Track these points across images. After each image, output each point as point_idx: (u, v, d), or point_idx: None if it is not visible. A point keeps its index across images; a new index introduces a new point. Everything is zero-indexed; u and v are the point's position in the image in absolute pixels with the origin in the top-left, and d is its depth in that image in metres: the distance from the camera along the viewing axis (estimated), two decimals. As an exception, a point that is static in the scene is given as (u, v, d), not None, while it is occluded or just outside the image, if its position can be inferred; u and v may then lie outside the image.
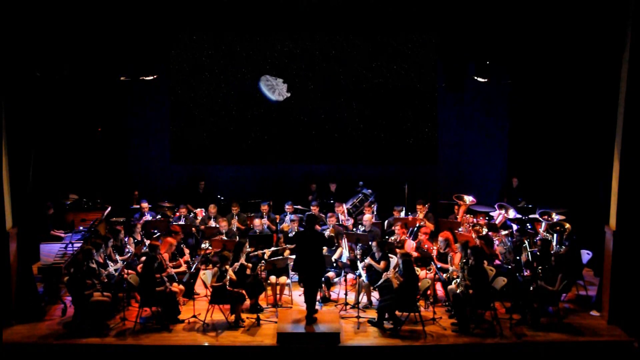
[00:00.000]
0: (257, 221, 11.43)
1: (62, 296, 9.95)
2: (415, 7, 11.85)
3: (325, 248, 10.34)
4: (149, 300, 9.30)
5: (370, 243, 10.48)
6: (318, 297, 10.17)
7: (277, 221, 12.16)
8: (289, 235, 11.27)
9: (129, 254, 10.48)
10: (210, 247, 11.05)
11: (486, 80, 12.25)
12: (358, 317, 9.47)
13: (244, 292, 9.49)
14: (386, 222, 12.02)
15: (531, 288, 9.44)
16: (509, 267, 10.04)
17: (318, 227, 11.70)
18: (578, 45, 10.16)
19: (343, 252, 10.72)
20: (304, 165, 14.09)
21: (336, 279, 10.61)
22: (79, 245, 10.51)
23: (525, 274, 9.80)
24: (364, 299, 10.06)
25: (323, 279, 10.25)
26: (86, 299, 9.07)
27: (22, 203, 9.51)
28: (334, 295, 10.46)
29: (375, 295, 10.07)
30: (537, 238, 10.79)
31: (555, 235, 10.80)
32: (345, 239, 10.82)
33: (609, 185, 9.61)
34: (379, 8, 11.89)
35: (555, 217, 11.36)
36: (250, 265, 10.00)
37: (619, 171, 9.34)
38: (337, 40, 13.17)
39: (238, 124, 13.47)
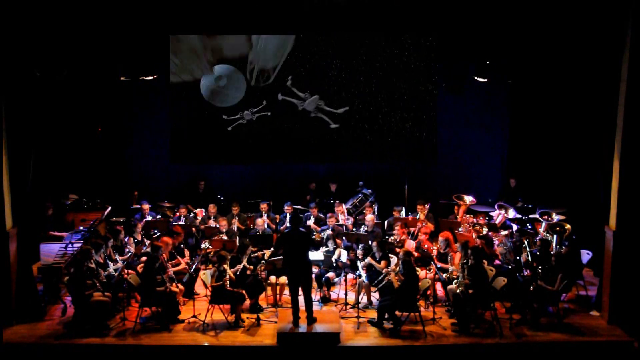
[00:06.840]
0: (259, 220, 11.44)
1: (62, 296, 9.95)
2: (415, 8, 11.85)
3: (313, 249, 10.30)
4: (149, 300, 9.30)
5: (370, 243, 10.48)
6: (318, 297, 10.21)
7: (277, 221, 12.16)
8: None
9: (129, 254, 10.48)
10: (210, 247, 11.05)
11: (486, 80, 12.24)
12: (358, 317, 9.46)
13: (244, 292, 9.50)
14: (386, 222, 12.02)
15: (531, 288, 9.44)
16: (509, 267, 10.04)
17: (317, 227, 11.72)
18: (578, 45, 10.15)
19: (341, 253, 10.70)
20: (303, 165, 14.08)
21: (336, 279, 10.61)
22: (79, 245, 10.49)
23: (525, 274, 9.80)
24: (364, 299, 10.05)
25: (323, 279, 10.28)
26: (86, 299, 9.07)
27: (22, 203, 9.50)
28: (334, 295, 10.46)
29: (375, 295, 10.07)
30: (537, 238, 10.79)
31: (555, 235, 10.79)
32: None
33: (609, 185, 9.61)
34: (378, 8, 11.89)
35: (555, 217, 11.34)
36: (251, 266, 10.00)
37: (619, 171, 9.34)
38: (337, 39, 13.18)
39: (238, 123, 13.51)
